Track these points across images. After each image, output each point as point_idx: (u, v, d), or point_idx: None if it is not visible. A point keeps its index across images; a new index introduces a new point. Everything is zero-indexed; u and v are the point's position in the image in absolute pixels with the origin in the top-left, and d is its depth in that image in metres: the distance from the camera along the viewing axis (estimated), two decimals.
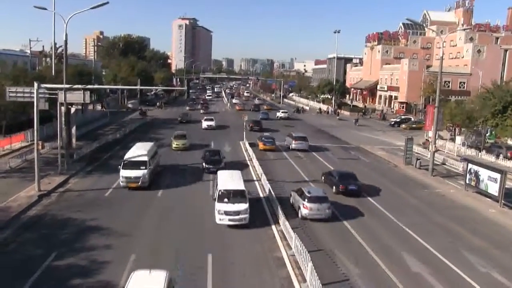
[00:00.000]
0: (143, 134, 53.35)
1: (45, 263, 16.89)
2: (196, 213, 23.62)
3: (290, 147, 44.75)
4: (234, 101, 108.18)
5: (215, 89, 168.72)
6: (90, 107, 67.22)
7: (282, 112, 78.43)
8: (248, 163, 37.39)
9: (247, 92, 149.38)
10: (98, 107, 76.01)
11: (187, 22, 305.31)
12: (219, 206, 21.60)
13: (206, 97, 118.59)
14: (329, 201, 23.76)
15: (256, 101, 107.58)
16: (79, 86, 32.90)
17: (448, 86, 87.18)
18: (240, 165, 36.63)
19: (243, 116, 50.73)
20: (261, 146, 44.17)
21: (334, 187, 29.26)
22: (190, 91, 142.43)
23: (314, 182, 31.56)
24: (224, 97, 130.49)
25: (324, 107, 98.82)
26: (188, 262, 17.50)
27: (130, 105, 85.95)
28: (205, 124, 58.33)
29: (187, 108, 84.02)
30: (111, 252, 18.17)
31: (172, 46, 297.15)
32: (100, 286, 15.48)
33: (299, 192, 24.70)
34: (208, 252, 18.35)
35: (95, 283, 15.62)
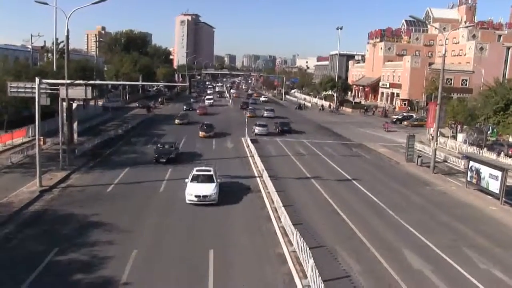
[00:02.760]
0: (144, 130, 53.58)
1: (47, 259, 16.94)
2: None
3: (263, 115, 68.58)
4: (232, 91, 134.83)
5: (217, 87, 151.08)
6: (92, 102, 67.15)
7: (263, 97, 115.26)
8: (250, 159, 37.40)
9: (245, 86, 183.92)
10: (100, 102, 76.06)
11: (190, 18, 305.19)
12: None
13: (207, 102, 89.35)
14: (267, 127, 52.96)
15: (249, 91, 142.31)
16: (81, 81, 32.93)
17: (450, 84, 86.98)
18: (242, 161, 36.76)
19: (245, 113, 51.18)
20: (249, 115, 64.82)
21: (277, 129, 55.03)
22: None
23: (315, 178, 31.63)
24: (228, 97, 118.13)
25: (326, 103, 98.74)
26: (190, 258, 17.57)
27: (110, 104, 73.12)
28: (192, 194, 24.26)
29: (177, 121, 57.52)
30: (113, 247, 18.21)
31: (174, 42, 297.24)
32: (102, 281, 15.51)
33: (254, 124, 52.36)
34: (210, 248, 18.41)
35: (97, 279, 15.66)
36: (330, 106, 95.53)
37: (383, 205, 26.13)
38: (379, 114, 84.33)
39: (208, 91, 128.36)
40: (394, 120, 72.41)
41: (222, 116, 69.44)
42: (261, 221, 22.25)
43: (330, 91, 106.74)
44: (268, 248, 18.90)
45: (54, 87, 29.71)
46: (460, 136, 50.39)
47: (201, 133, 48.38)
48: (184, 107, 76.89)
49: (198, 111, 71.01)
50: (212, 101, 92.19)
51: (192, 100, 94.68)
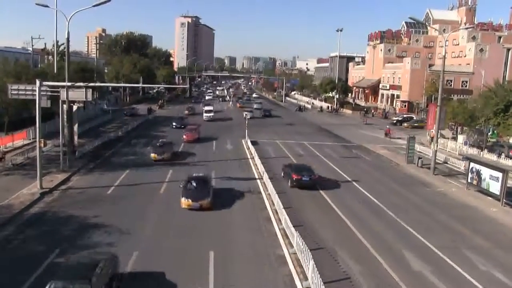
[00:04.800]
0: (145, 131, 53.58)
1: (48, 260, 16.96)
2: None
3: (254, 107, 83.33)
4: (231, 90, 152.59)
5: (217, 91, 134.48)
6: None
7: (255, 94, 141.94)
8: (250, 161, 37.40)
9: (244, 86, 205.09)
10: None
11: (190, 20, 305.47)
12: None
13: (205, 115, 67.13)
14: (253, 112, 68.57)
15: (245, 90, 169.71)
16: (81, 83, 32.92)
17: (451, 85, 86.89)
18: (242, 163, 36.77)
19: (245, 114, 51.06)
20: (239, 105, 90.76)
21: (261, 115, 74.74)
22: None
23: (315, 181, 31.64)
24: (229, 97, 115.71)
25: (325, 105, 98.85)
26: (190, 259, 17.58)
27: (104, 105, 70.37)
28: None
29: (153, 155, 35.82)
30: (113, 249, 18.18)
31: (174, 44, 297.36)
32: None
33: (243, 108, 75.98)
34: (210, 250, 18.42)
35: None
36: (328, 107, 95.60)
37: (383, 206, 26.14)
38: (379, 115, 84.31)
39: (207, 97, 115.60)
40: (394, 121, 72.48)
41: (225, 141, 48.20)
42: (262, 223, 22.26)
43: (330, 93, 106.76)
44: (268, 250, 18.90)
45: (55, 89, 29.71)
46: (460, 138, 50.41)
47: (184, 202, 23.66)
48: (174, 123, 56.46)
49: (185, 136, 45.79)
50: (212, 114, 67.55)
51: (186, 111, 74.33)
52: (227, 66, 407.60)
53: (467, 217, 25.15)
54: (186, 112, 74.34)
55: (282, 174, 31.58)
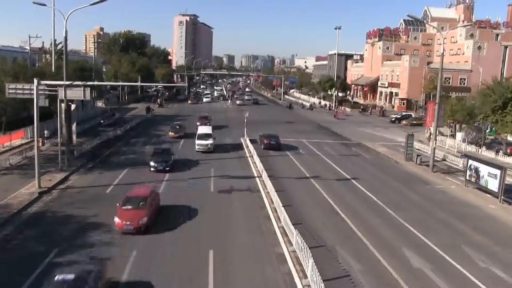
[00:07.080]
0: (144, 130, 53.47)
1: (47, 260, 16.93)
2: None
3: (245, 98, 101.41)
4: (228, 87, 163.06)
5: (216, 92, 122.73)
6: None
7: (247, 89, 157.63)
8: (249, 159, 37.38)
9: (242, 84, 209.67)
10: (99, 103, 76.03)
11: (188, 18, 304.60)
12: None
13: (198, 144, 39.63)
14: (244, 100, 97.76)
15: (240, 86, 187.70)
16: (79, 82, 32.81)
17: (449, 83, 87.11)
18: (241, 161, 36.73)
19: (244, 113, 50.78)
20: (235, 96, 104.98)
21: (251, 102, 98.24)
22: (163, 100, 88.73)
23: (314, 178, 31.67)
24: (229, 99, 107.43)
25: (316, 101, 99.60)
26: (190, 258, 17.58)
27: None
28: None
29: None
30: (112, 248, 18.20)
31: (173, 42, 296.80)
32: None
33: (237, 99, 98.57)
34: (210, 248, 18.42)
35: None
36: (320, 103, 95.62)
37: (383, 204, 26.14)
38: (377, 113, 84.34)
39: (205, 99, 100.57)
40: (393, 119, 72.42)
41: (224, 139, 45.82)
42: (261, 221, 22.26)
43: (329, 91, 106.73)
44: (268, 248, 18.90)
45: (53, 88, 29.57)
46: (459, 135, 50.41)
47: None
48: (153, 163, 31.79)
49: (117, 220, 19.90)
50: (210, 141, 40.08)
51: (172, 132, 47.48)
52: (225, 64, 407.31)
53: (466, 214, 25.18)
54: (172, 133, 47.47)
55: (259, 142, 43.60)
